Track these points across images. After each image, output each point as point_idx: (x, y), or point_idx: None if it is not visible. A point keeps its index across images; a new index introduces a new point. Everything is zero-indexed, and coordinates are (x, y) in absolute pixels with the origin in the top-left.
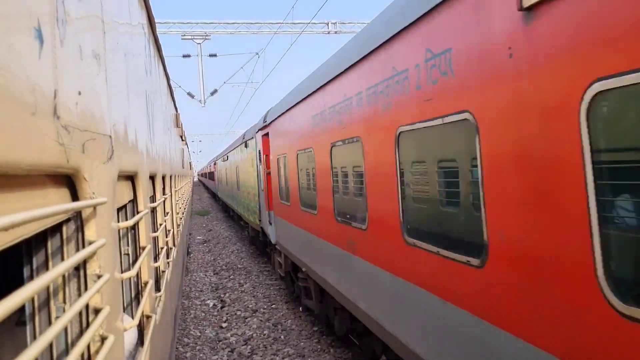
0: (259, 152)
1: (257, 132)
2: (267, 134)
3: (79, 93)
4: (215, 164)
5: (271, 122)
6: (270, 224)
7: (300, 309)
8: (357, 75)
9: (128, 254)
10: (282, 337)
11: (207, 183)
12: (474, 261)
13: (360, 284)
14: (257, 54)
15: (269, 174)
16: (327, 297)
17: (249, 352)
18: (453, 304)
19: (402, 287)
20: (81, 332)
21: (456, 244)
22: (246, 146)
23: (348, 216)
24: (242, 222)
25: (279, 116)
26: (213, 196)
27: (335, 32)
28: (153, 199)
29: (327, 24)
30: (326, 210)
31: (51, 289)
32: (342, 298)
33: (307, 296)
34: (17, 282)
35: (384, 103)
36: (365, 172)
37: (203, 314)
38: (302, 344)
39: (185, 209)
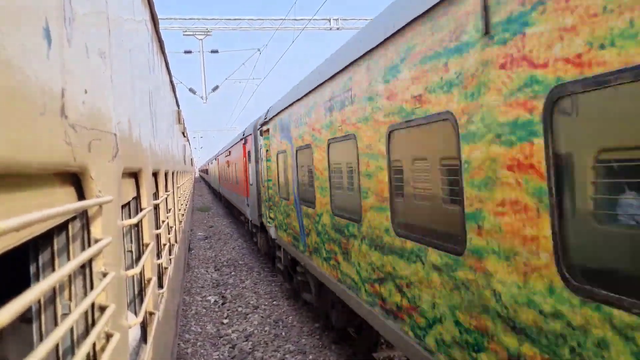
0: (217, 165)
1: (216, 157)
2: (218, 159)
3: (86, 92)
4: (209, 164)
5: (216, 156)
6: (219, 187)
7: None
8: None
9: (131, 251)
10: (283, 333)
11: (204, 177)
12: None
13: (230, 196)
14: (258, 50)
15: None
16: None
17: (250, 348)
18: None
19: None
20: (87, 330)
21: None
22: (215, 159)
23: (230, 182)
24: (218, 194)
25: (218, 155)
26: (208, 186)
27: (337, 28)
28: (156, 195)
29: (329, 20)
30: (228, 181)
31: (57, 287)
32: (224, 196)
33: (224, 203)
34: (23, 280)
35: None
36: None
37: (204, 310)
38: (303, 340)
39: (186, 205)
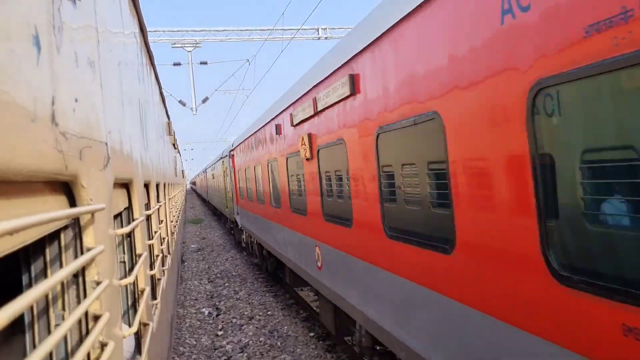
0: (199, 180)
1: (197, 176)
2: (198, 177)
3: (76, 100)
4: (196, 178)
5: (197, 175)
6: (199, 190)
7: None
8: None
9: (124, 262)
10: (279, 343)
11: (195, 188)
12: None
13: (202, 192)
14: (247, 60)
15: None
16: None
17: None
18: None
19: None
20: (81, 339)
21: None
22: (198, 177)
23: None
24: (195, 192)
25: (197, 176)
26: (200, 197)
27: (326, 38)
28: (148, 206)
29: (317, 29)
30: (201, 186)
31: (50, 296)
32: (199, 193)
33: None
34: (15, 290)
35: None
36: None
37: (198, 323)
38: (298, 350)
39: (178, 217)
